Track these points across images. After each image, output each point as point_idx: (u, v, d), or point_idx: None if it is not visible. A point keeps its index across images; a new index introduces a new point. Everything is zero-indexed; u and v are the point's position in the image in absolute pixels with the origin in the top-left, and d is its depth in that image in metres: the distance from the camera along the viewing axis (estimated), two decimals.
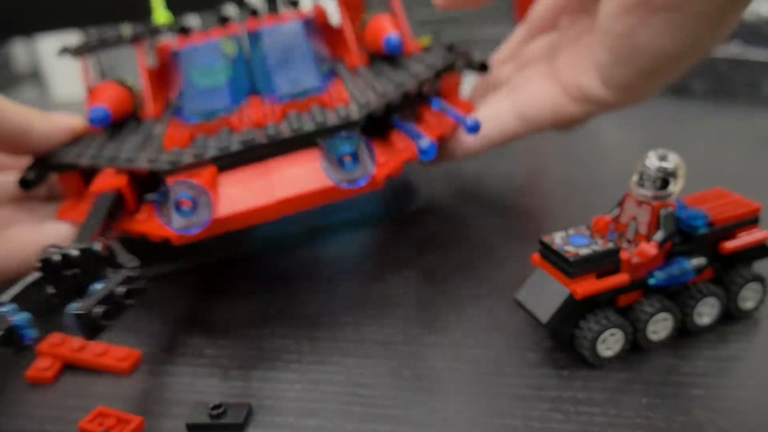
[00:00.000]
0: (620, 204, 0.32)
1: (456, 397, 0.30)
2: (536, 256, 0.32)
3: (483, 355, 0.32)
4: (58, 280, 0.29)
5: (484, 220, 0.46)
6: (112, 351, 0.34)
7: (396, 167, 0.36)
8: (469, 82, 0.50)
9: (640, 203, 0.30)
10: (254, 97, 0.43)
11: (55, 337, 0.35)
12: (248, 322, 0.37)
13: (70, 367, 0.35)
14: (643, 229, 0.30)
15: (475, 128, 0.39)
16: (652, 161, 0.29)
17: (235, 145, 0.36)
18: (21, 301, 0.27)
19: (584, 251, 0.29)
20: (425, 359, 0.32)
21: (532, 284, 0.31)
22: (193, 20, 0.50)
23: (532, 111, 0.43)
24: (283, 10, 0.51)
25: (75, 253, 0.29)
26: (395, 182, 0.43)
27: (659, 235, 0.29)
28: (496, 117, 0.44)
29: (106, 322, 0.26)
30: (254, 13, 0.49)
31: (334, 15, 0.50)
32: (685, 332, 0.32)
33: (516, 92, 0.45)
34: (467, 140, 0.43)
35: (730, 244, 0.31)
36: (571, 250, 0.29)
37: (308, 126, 0.36)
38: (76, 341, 0.35)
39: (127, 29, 0.47)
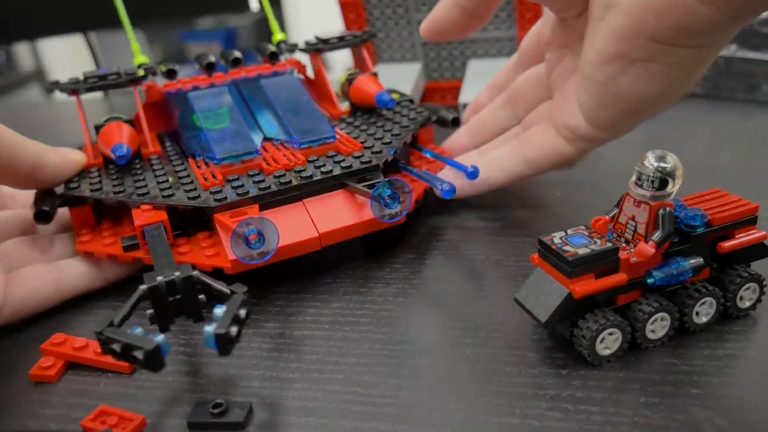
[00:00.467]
0: (619, 204, 0.32)
1: (455, 396, 0.30)
2: (535, 256, 0.32)
3: (482, 354, 0.32)
4: (160, 305, 0.31)
5: (484, 220, 0.47)
6: None
7: (410, 205, 0.41)
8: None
9: (638, 203, 0.31)
10: (266, 142, 0.47)
11: (57, 337, 0.36)
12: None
13: (72, 366, 0.35)
14: (642, 229, 0.30)
15: (474, 175, 0.44)
16: (651, 161, 0.30)
17: (274, 185, 0.40)
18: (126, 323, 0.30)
19: (583, 251, 0.29)
20: (425, 358, 0.33)
21: (532, 284, 0.32)
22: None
23: (535, 155, 0.45)
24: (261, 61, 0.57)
25: (178, 280, 0.31)
26: None
27: (657, 235, 0.30)
28: (499, 162, 0.46)
29: (237, 340, 0.29)
30: (237, 62, 0.54)
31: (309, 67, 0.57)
32: (683, 331, 0.32)
33: (519, 138, 0.47)
34: (476, 185, 0.46)
35: (728, 244, 0.32)
36: (569, 249, 0.30)
37: (337, 169, 0.42)
38: (79, 340, 0.35)
39: (118, 69, 0.49)
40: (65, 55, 2.45)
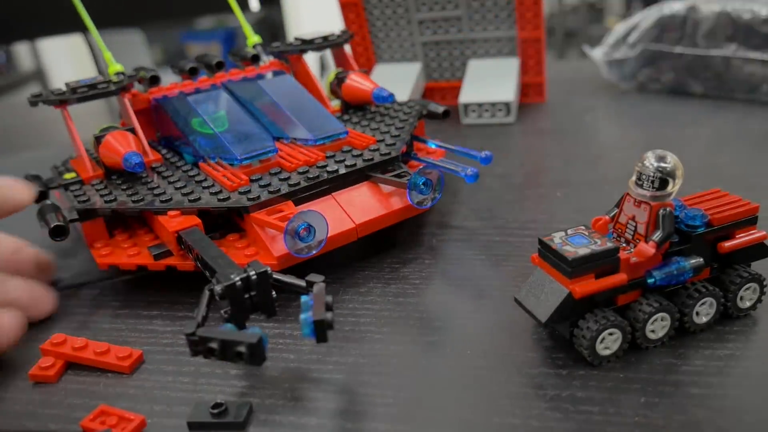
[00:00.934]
0: (619, 204, 0.32)
1: (456, 396, 0.30)
2: (535, 256, 0.32)
3: (483, 354, 0.32)
4: (237, 303, 0.32)
5: (483, 219, 0.47)
6: (113, 350, 0.35)
7: (441, 190, 0.43)
8: None
9: (638, 203, 0.30)
10: (276, 141, 0.47)
11: (57, 337, 0.36)
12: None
13: (72, 366, 0.35)
14: (642, 229, 0.30)
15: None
16: (651, 161, 0.30)
17: (303, 182, 0.41)
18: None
19: (583, 251, 0.29)
20: (425, 358, 0.33)
21: (532, 284, 0.32)
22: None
23: None
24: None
25: (254, 277, 0.32)
26: None
27: (658, 235, 0.30)
28: None
29: (331, 326, 0.30)
30: (220, 65, 0.55)
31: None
32: (683, 331, 0.32)
33: None
34: None
35: (728, 244, 0.31)
36: (570, 249, 0.29)
37: (360, 163, 0.43)
38: (79, 340, 0.35)
39: (102, 77, 0.49)
40: (65, 55, 2.45)
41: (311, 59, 0.80)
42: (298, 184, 0.41)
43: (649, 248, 0.29)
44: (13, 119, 1.01)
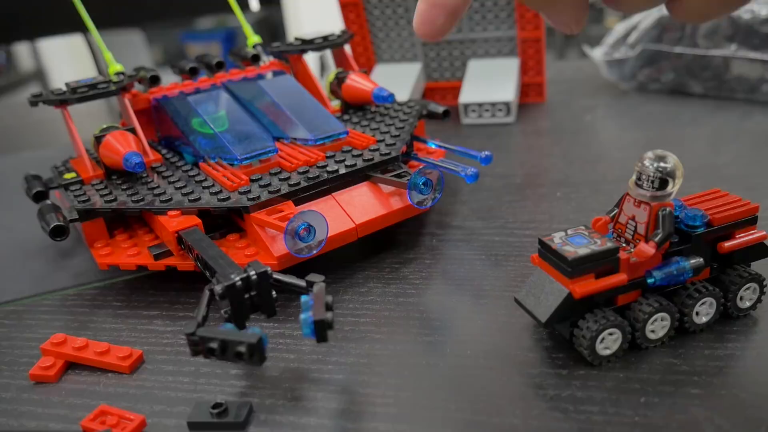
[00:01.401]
0: (619, 204, 0.32)
1: (456, 396, 0.30)
2: (535, 256, 0.32)
3: (483, 354, 0.32)
4: (238, 303, 0.32)
5: (483, 219, 0.47)
6: (113, 350, 0.35)
7: (442, 189, 0.43)
8: None
9: (638, 203, 0.30)
10: (276, 140, 0.47)
11: (57, 337, 0.36)
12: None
13: (72, 366, 0.35)
14: (642, 229, 0.30)
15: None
16: (651, 162, 0.29)
17: (303, 181, 0.41)
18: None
19: (583, 251, 0.29)
20: (425, 358, 0.33)
21: (532, 284, 0.32)
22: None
23: None
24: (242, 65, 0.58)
25: (254, 277, 0.32)
26: None
27: (658, 235, 0.30)
28: None
29: (331, 326, 0.30)
30: (220, 65, 0.55)
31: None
32: (683, 331, 0.32)
33: None
34: None
35: (728, 244, 0.31)
36: (569, 249, 0.29)
37: (360, 163, 0.43)
38: (79, 340, 0.35)
39: (102, 77, 0.49)
40: (65, 55, 2.45)
41: (311, 59, 0.80)
42: (298, 184, 0.41)
43: (649, 248, 0.29)
44: (13, 119, 1.01)
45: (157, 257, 0.40)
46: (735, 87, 0.67)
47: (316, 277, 0.32)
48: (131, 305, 0.41)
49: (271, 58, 0.58)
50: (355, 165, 0.42)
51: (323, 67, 1.53)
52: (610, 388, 0.29)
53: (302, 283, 0.33)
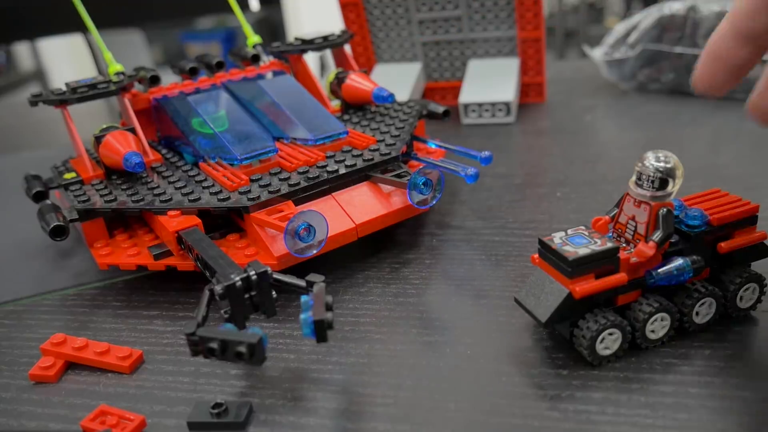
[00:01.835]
0: (619, 204, 0.32)
1: (455, 396, 0.30)
2: (535, 256, 0.32)
3: (482, 354, 0.32)
4: (237, 303, 0.32)
5: (483, 219, 0.47)
6: (113, 350, 0.35)
7: (442, 189, 0.43)
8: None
9: (638, 203, 0.31)
10: (276, 140, 0.47)
11: (57, 337, 0.36)
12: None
13: (72, 366, 0.35)
14: (642, 229, 0.30)
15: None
16: (651, 161, 0.30)
17: (303, 181, 0.41)
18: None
19: (583, 251, 0.29)
20: (425, 358, 0.33)
21: (532, 284, 0.32)
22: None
23: None
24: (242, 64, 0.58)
25: (254, 277, 0.32)
26: None
27: (658, 235, 0.30)
28: None
29: (331, 326, 0.30)
30: (221, 65, 0.55)
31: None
32: (683, 331, 0.32)
33: None
34: None
35: (728, 244, 0.31)
36: (570, 250, 0.29)
37: (360, 163, 0.43)
38: (79, 340, 0.35)
39: (102, 77, 0.49)
40: (65, 55, 2.45)
41: (311, 59, 0.80)
42: (298, 184, 0.41)
43: (648, 249, 0.29)
44: (13, 119, 1.01)
45: (157, 257, 0.40)
46: (735, 87, 0.66)
47: (316, 277, 0.32)
48: (131, 305, 0.41)
49: (271, 58, 0.58)
50: (355, 165, 0.43)
51: (323, 67, 1.53)
52: (610, 388, 0.29)
53: (302, 283, 0.33)
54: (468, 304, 0.37)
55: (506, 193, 0.51)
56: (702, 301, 0.31)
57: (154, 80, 0.52)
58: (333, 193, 0.42)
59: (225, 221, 0.42)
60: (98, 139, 0.45)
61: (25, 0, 1.10)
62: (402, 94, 0.68)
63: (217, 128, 0.46)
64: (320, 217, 0.37)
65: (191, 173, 0.44)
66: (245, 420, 0.29)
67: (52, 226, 0.40)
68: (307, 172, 0.42)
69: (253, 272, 0.32)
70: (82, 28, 0.80)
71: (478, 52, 0.73)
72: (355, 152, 0.45)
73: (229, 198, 0.40)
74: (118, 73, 0.50)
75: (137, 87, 0.52)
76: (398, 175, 0.42)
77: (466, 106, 0.68)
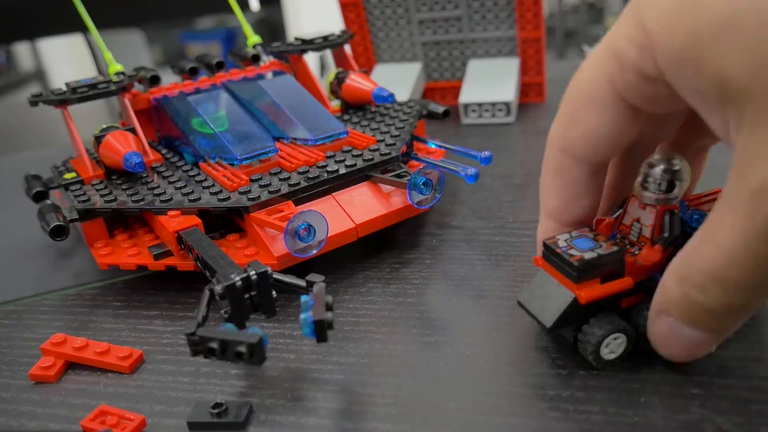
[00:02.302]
0: (623, 206, 0.32)
1: (455, 396, 0.30)
2: (539, 258, 0.31)
3: (482, 354, 0.32)
4: (237, 303, 0.32)
5: (484, 219, 0.47)
6: (114, 350, 0.35)
7: (442, 189, 0.43)
8: None
9: (644, 205, 0.30)
10: (276, 140, 0.47)
11: (57, 337, 0.36)
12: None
13: (72, 366, 0.35)
14: (648, 232, 0.30)
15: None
16: (660, 164, 0.29)
17: (303, 181, 0.41)
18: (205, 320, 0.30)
19: (589, 255, 0.29)
20: (425, 358, 0.33)
21: (535, 287, 0.31)
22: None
23: None
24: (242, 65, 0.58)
25: (254, 277, 0.32)
26: None
27: (664, 239, 0.29)
28: None
29: (331, 326, 0.30)
30: (221, 65, 0.55)
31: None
32: None
33: None
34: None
35: None
36: (575, 254, 0.29)
37: (360, 163, 0.43)
38: (79, 340, 0.35)
39: (102, 77, 0.49)
40: (65, 55, 2.45)
41: (311, 59, 0.80)
42: (298, 184, 0.41)
43: (654, 254, 0.29)
44: (13, 119, 1.01)
45: (157, 257, 0.40)
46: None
47: (316, 277, 0.32)
48: (131, 305, 0.41)
49: (271, 58, 0.58)
50: (355, 165, 0.43)
51: (323, 67, 1.53)
52: (610, 388, 0.29)
53: (302, 283, 0.33)
54: (468, 304, 0.37)
55: (506, 193, 0.50)
56: None
57: (154, 80, 0.52)
58: (333, 193, 0.42)
59: (225, 221, 0.42)
60: (98, 139, 0.45)
61: (25, 0, 1.10)
62: (402, 94, 0.68)
63: (217, 128, 0.46)
64: (320, 217, 0.37)
65: (191, 173, 0.44)
66: (245, 420, 0.29)
67: (52, 226, 0.40)
68: (307, 172, 0.42)
69: (253, 272, 0.32)
70: (82, 28, 0.80)
71: (478, 52, 0.73)
72: (355, 152, 0.45)
73: (229, 198, 0.40)
74: (118, 73, 0.50)
75: (137, 87, 0.52)
76: (398, 175, 0.42)
77: (466, 106, 0.68)
